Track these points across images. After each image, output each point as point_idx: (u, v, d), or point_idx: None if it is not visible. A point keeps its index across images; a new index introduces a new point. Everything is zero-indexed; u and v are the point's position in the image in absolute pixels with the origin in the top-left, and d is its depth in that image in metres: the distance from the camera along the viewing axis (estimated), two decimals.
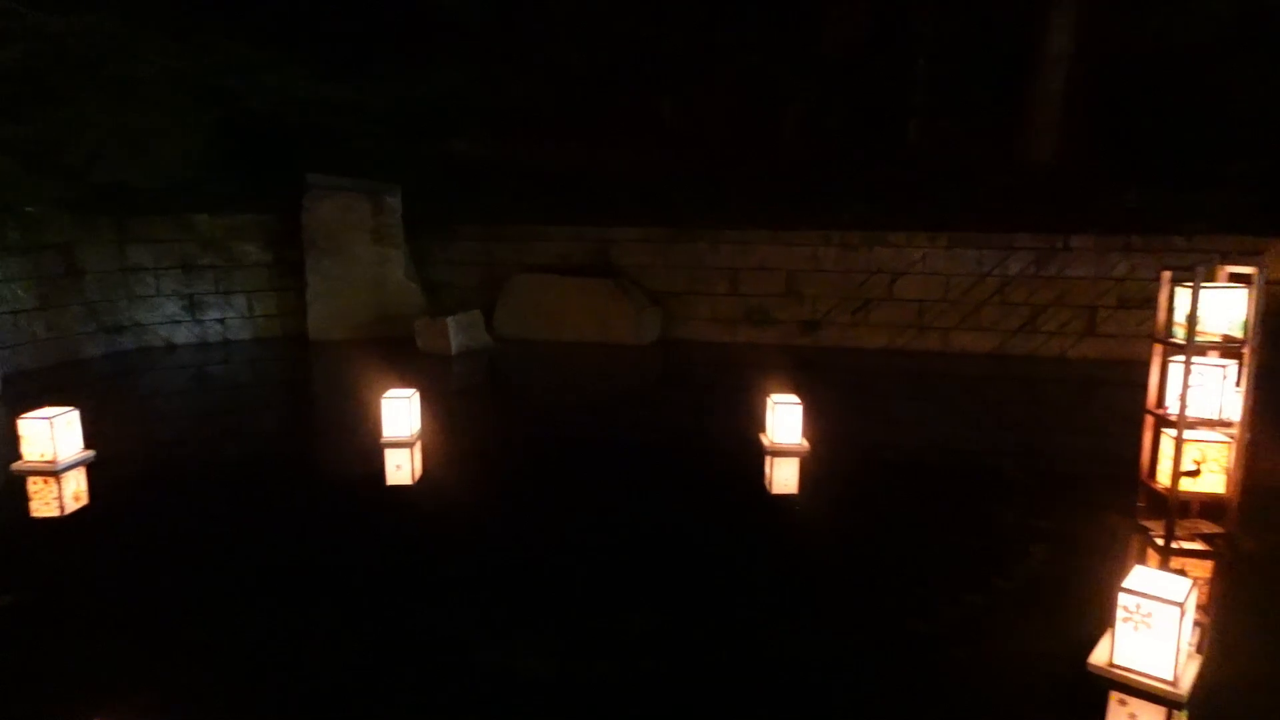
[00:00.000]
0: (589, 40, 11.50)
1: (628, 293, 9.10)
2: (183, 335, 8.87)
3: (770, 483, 4.79)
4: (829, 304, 8.99)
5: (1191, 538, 3.73)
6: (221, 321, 9.09)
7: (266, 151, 9.90)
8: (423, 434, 5.31)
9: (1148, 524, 3.86)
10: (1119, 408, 5.52)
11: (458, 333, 8.44)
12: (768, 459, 4.96)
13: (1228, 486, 3.67)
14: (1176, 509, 3.72)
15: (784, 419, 5.01)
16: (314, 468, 5.30)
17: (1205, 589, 3.39)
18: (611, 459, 5.32)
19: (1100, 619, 2.74)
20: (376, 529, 4.10)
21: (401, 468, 4.93)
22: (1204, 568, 3.56)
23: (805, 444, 5.01)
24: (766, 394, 5.20)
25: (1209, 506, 3.79)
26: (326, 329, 9.05)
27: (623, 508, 4.36)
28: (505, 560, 3.69)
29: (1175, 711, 2.46)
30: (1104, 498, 4.25)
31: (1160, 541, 3.69)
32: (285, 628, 3.08)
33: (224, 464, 5.26)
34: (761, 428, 5.22)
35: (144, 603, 3.25)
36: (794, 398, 5.09)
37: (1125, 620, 2.52)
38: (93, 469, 4.76)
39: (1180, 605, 2.45)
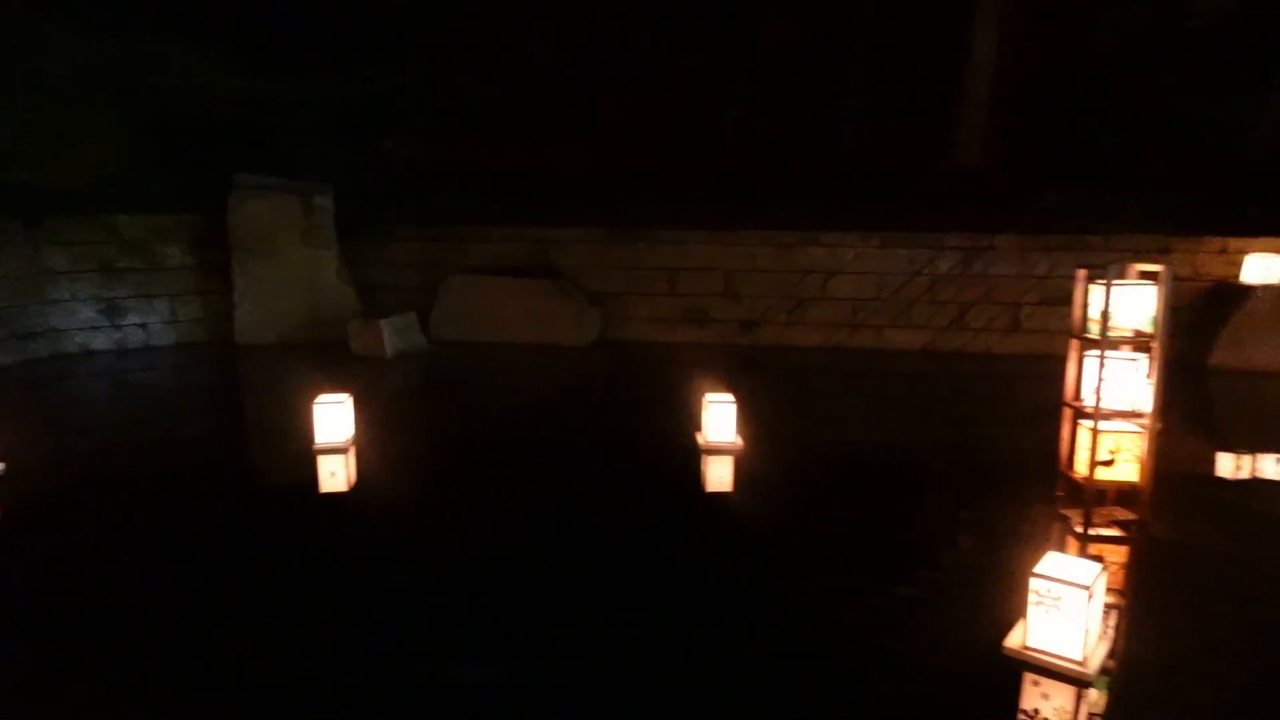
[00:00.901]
0: (528, 39, 11.44)
1: (567, 293, 9.07)
2: (101, 341, 8.52)
3: (704, 481, 4.82)
4: (766, 303, 9.11)
5: (1108, 524, 3.88)
6: (143, 327, 8.75)
7: (191, 150, 9.59)
8: (357, 440, 5.20)
9: (1067, 512, 4.00)
10: (1042, 401, 5.70)
11: (393, 335, 8.28)
12: (702, 457, 5.00)
13: (1141, 475, 3.84)
14: (1093, 497, 3.87)
15: (718, 417, 5.06)
16: (242, 477, 5.14)
17: (1120, 573, 3.53)
18: (546, 461, 5.29)
19: (1018, 604, 2.82)
20: (309, 538, 3.99)
21: (335, 475, 4.82)
22: (1119, 553, 3.70)
23: (740, 442, 5.07)
24: (704, 393, 5.23)
25: (1124, 494, 3.96)
26: (255, 333, 8.79)
27: (556, 510, 4.34)
28: (441, 565, 3.64)
29: (1085, 690, 2.55)
30: (1026, 488, 4.39)
31: (1078, 529, 3.84)
32: (213, 643, 2.97)
33: (145, 476, 5.05)
34: (697, 426, 5.25)
35: (56, 620, 3.10)
36: (729, 396, 5.13)
37: (1037, 604, 2.61)
38: (2, 482, 4.53)
39: (1088, 589, 2.55)
